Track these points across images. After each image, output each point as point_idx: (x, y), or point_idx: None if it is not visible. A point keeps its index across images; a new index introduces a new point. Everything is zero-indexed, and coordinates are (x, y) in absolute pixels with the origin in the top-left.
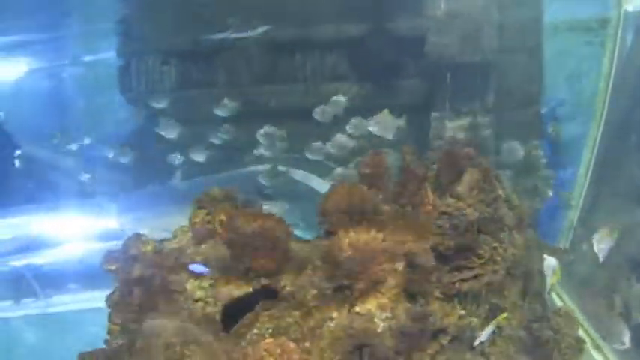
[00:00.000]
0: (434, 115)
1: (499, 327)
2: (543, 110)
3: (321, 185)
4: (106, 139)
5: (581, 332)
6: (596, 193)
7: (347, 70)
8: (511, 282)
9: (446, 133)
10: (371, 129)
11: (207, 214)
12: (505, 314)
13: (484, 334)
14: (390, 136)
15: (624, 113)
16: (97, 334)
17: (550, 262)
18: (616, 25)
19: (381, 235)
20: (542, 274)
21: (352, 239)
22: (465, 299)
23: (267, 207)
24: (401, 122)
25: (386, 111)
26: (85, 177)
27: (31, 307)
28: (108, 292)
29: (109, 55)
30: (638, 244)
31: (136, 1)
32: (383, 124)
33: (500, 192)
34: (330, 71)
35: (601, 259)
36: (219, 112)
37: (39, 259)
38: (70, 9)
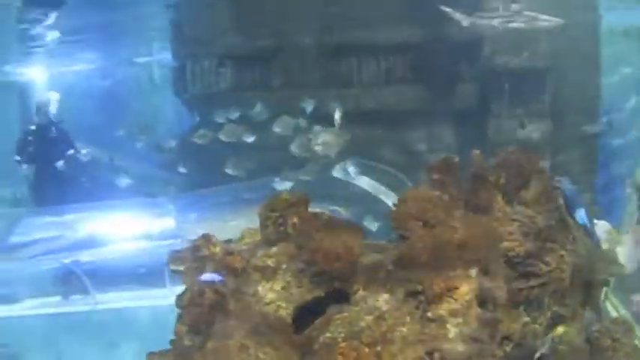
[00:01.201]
0: (492, 120)
1: (558, 337)
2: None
3: (386, 193)
4: (162, 141)
5: (637, 342)
6: None
7: (405, 74)
8: (573, 290)
9: (505, 138)
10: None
11: (280, 216)
12: (563, 328)
13: (544, 347)
14: (332, 155)
15: None
16: (149, 332)
17: (603, 225)
18: None
19: (455, 242)
20: (602, 284)
21: (427, 244)
22: (529, 307)
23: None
24: (347, 136)
25: (332, 129)
26: (142, 177)
27: (80, 304)
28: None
29: (164, 56)
30: None
31: (191, 3)
32: (327, 142)
33: (561, 200)
34: (388, 75)
35: None
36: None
37: (92, 256)
38: (125, 10)
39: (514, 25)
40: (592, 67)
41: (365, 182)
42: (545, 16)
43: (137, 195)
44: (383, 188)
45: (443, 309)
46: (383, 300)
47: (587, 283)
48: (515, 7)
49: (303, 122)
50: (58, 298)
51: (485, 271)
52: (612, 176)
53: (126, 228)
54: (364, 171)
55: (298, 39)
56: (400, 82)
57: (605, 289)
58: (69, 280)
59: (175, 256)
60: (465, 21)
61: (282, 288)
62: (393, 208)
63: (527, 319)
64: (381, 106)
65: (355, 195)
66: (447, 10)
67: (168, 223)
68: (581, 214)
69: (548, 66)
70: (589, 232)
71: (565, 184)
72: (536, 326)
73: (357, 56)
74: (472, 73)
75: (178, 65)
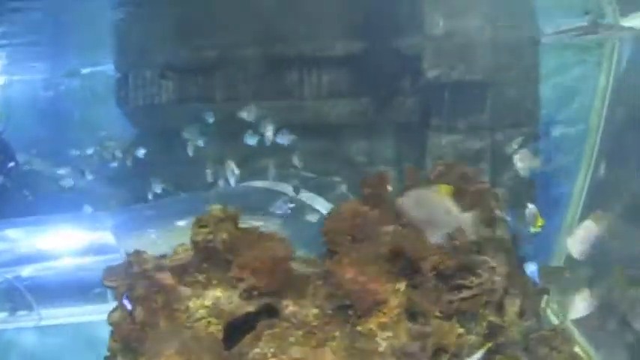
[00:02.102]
0: (431, 132)
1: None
2: (539, 128)
3: (323, 204)
4: (102, 152)
5: (577, 349)
6: (591, 208)
7: (346, 87)
8: (509, 300)
9: (443, 151)
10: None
11: (209, 233)
12: (490, 344)
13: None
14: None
15: (621, 131)
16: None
17: (531, 209)
18: (612, 44)
19: (383, 256)
20: (540, 293)
21: (354, 260)
22: (463, 318)
23: (260, 223)
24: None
25: None
26: (81, 189)
27: (25, 319)
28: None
29: (106, 67)
30: (631, 260)
31: (134, 13)
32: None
33: (498, 212)
34: (329, 88)
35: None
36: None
37: (32, 271)
38: (68, 21)
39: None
40: (531, 79)
41: (306, 196)
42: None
43: (80, 208)
44: (321, 200)
45: (372, 323)
46: (312, 315)
47: (524, 292)
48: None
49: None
50: (4, 314)
51: (414, 285)
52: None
53: (67, 242)
54: (305, 183)
55: (241, 51)
56: (342, 95)
57: (546, 297)
58: (12, 296)
59: (109, 272)
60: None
61: (213, 304)
62: (323, 223)
63: (461, 330)
64: (323, 119)
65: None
66: None
67: (107, 237)
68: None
69: (488, 79)
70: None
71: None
72: (472, 337)
73: (300, 69)
74: (413, 86)
75: (121, 76)
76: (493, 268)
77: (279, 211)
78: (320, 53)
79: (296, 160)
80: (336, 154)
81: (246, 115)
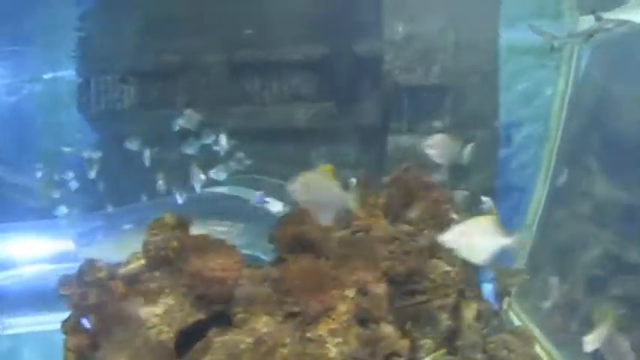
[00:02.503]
0: (391, 136)
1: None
2: (499, 131)
3: (281, 207)
4: (64, 159)
5: (538, 349)
6: (553, 213)
7: (308, 91)
8: (465, 303)
9: (403, 154)
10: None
11: (161, 241)
12: (443, 350)
13: None
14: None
15: (581, 135)
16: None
17: (488, 202)
18: (571, 48)
19: (331, 263)
20: (503, 295)
21: (302, 267)
22: (418, 322)
23: (223, 228)
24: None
25: None
26: (44, 197)
27: None
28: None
29: (68, 72)
30: (592, 262)
31: (96, 18)
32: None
33: (455, 216)
34: (291, 92)
35: None
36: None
37: None
38: (31, 26)
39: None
40: (491, 83)
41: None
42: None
43: (42, 216)
44: (280, 204)
45: (322, 329)
46: (262, 322)
47: (481, 295)
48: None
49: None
50: None
51: (364, 291)
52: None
53: (29, 251)
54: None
55: (203, 56)
56: (303, 99)
57: (507, 299)
58: None
59: (63, 281)
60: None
61: (165, 312)
62: (273, 230)
63: (416, 334)
64: (285, 124)
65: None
66: None
67: (68, 245)
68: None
69: (448, 83)
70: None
71: None
72: (429, 341)
73: (261, 74)
74: (373, 90)
75: (83, 81)
76: (447, 272)
77: (257, 204)
78: (281, 58)
79: (238, 164)
80: (298, 158)
81: (185, 122)
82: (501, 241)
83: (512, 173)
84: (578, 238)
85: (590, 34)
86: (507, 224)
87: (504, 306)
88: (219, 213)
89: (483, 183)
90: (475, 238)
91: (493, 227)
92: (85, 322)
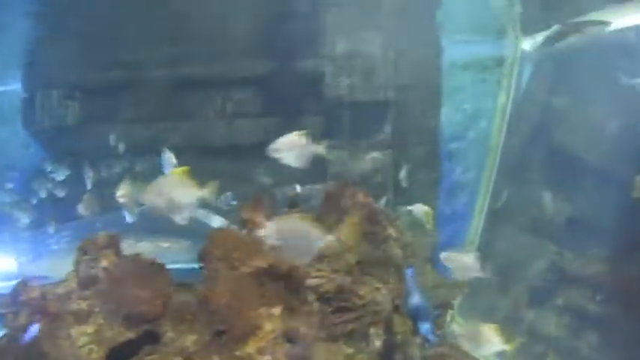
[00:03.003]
0: (333, 152)
1: None
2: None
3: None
4: (9, 175)
5: None
6: (494, 223)
7: (251, 107)
8: (400, 319)
9: (345, 170)
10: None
11: (91, 260)
12: None
13: None
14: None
15: (523, 148)
16: None
17: (421, 208)
18: (512, 63)
19: (257, 281)
20: (442, 308)
21: (228, 286)
22: (352, 338)
23: (167, 244)
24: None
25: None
26: None
27: None
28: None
29: (15, 87)
30: (535, 273)
31: (42, 33)
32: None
33: (391, 231)
34: (235, 108)
35: None
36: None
37: None
38: None
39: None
40: (433, 98)
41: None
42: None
43: None
44: (219, 219)
45: (250, 347)
46: (190, 341)
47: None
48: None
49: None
50: None
51: (290, 309)
52: (454, 201)
53: None
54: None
55: (148, 72)
56: (247, 115)
57: (450, 312)
58: None
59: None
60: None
61: (95, 331)
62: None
63: (350, 350)
64: (228, 140)
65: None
66: None
67: (9, 263)
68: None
69: (390, 98)
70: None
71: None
72: (364, 356)
73: (206, 89)
74: (316, 106)
75: (28, 96)
76: (378, 288)
77: (225, 206)
78: (225, 74)
79: None
80: (241, 174)
81: (112, 141)
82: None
83: (455, 187)
84: (522, 251)
85: (560, 37)
86: (451, 239)
87: (447, 319)
88: (165, 229)
89: (425, 198)
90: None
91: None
92: (30, 334)
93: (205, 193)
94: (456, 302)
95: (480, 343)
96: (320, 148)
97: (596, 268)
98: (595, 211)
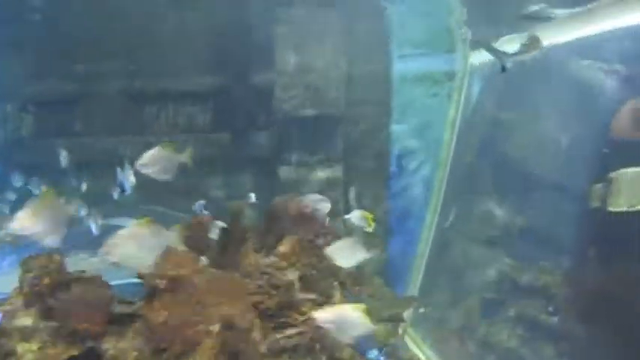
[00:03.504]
0: (283, 166)
1: None
2: (391, 159)
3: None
4: None
5: None
6: (445, 235)
7: (204, 121)
8: None
9: (295, 184)
10: None
11: (34, 278)
12: None
13: None
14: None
15: (473, 160)
16: None
17: (358, 212)
18: (462, 77)
19: (195, 299)
20: (393, 323)
21: (167, 303)
22: (295, 354)
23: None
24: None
25: None
26: None
27: None
28: None
29: None
30: (488, 285)
31: None
32: None
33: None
34: (187, 122)
35: None
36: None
37: None
38: None
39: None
40: (384, 112)
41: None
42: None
43: None
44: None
45: None
46: (132, 357)
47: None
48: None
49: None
50: None
51: (230, 326)
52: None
53: None
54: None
55: (101, 85)
56: (199, 129)
57: (403, 324)
58: None
59: None
60: None
61: (39, 348)
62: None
63: None
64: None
65: None
66: None
67: None
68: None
69: (340, 113)
70: None
71: None
72: None
73: (157, 103)
74: (266, 120)
75: None
76: (319, 304)
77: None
78: (177, 88)
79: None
80: (195, 188)
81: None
82: None
83: (405, 201)
84: (473, 262)
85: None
86: (401, 253)
87: (399, 332)
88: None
89: (375, 212)
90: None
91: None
92: None
93: (183, 157)
94: (408, 315)
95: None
96: (184, 157)
97: (548, 278)
98: (546, 222)
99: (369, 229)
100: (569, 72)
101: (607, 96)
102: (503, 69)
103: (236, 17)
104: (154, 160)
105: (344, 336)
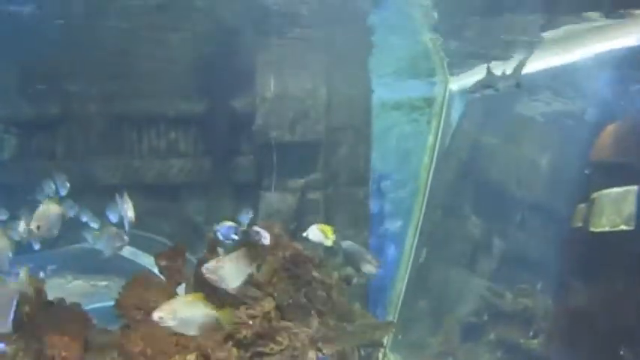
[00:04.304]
0: (263, 192)
1: None
2: (370, 185)
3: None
4: None
5: None
6: (425, 260)
7: (185, 146)
8: None
9: (274, 210)
10: None
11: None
12: None
13: None
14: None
15: (454, 184)
16: None
17: (314, 230)
18: (441, 103)
19: (172, 329)
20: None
21: (144, 333)
22: None
23: (105, 282)
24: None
25: None
26: None
27: None
28: None
29: None
30: (468, 309)
31: None
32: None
33: (315, 274)
34: (169, 147)
35: None
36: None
37: None
38: None
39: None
40: (363, 139)
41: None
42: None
43: None
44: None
45: None
46: None
47: (347, 349)
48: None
49: None
50: None
51: (205, 356)
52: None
53: None
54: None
55: (83, 107)
56: (180, 154)
57: (382, 349)
58: None
59: None
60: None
61: None
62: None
63: None
64: (162, 178)
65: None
66: None
67: None
68: None
69: (320, 139)
70: None
71: None
72: None
73: (140, 127)
74: (248, 146)
75: None
76: (295, 333)
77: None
78: (160, 112)
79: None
80: (174, 213)
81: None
82: None
83: (385, 225)
84: (454, 286)
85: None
86: (381, 277)
87: (379, 356)
88: (101, 268)
89: (357, 237)
90: None
91: None
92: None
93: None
94: (387, 339)
95: None
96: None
97: (528, 302)
98: (528, 245)
99: (329, 243)
100: (548, 97)
101: (587, 120)
102: (518, 85)
103: (218, 43)
104: (41, 218)
105: (188, 329)
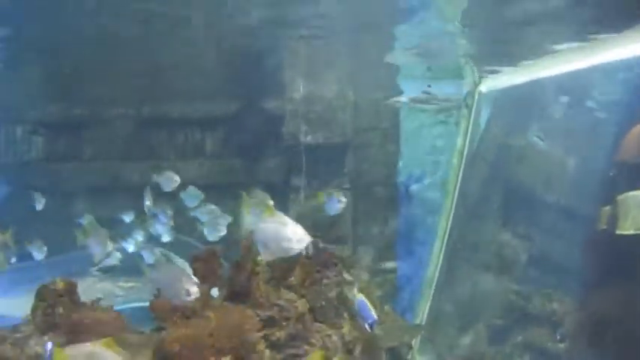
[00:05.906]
0: (291, 193)
1: None
2: (399, 187)
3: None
4: None
5: None
6: (453, 262)
7: (213, 147)
8: None
9: (303, 211)
10: None
11: (49, 306)
12: None
13: None
14: None
15: (482, 187)
16: None
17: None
18: (470, 104)
19: (207, 331)
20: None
21: (180, 335)
22: None
23: (130, 284)
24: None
25: None
26: None
27: None
28: None
29: None
30: (496, 312)
31: (5, 69)
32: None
33: (347, 276)
34: (196, 148)
35: None
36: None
37: None
38: None
39: None
40: (391, 140)
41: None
42: None
43: None
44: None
45: None
46: None
47: (377, 351)
48: None
49: None
50: None
51: (240, 357)
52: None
53: None
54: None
55: (110, 109)
56: (209, 155)
57: (410, 350)
58: None
59: None
60: None
61: None
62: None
63: None
64: (190, 179)
65: None
66: None
67: None
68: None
69: (348, 141)
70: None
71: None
72: None
73: (168, 128)
74: (277, 147)
75: None
76: (329, 336)
77: None
78: (188, 114)
79: None
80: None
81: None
82: None
83: (413, 227)
84: (481, 289)
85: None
86: (409, 279)
87: (408, 357)
88: (128, 269)
89: (384, 238)
90: None
91: None
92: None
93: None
94: (416, 341)
95: None
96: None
97: (556, 305)
98: (555, 248)
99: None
100: (575, 99)
101: (613, 121)
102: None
103: (246, 44)
104: None
105: None
